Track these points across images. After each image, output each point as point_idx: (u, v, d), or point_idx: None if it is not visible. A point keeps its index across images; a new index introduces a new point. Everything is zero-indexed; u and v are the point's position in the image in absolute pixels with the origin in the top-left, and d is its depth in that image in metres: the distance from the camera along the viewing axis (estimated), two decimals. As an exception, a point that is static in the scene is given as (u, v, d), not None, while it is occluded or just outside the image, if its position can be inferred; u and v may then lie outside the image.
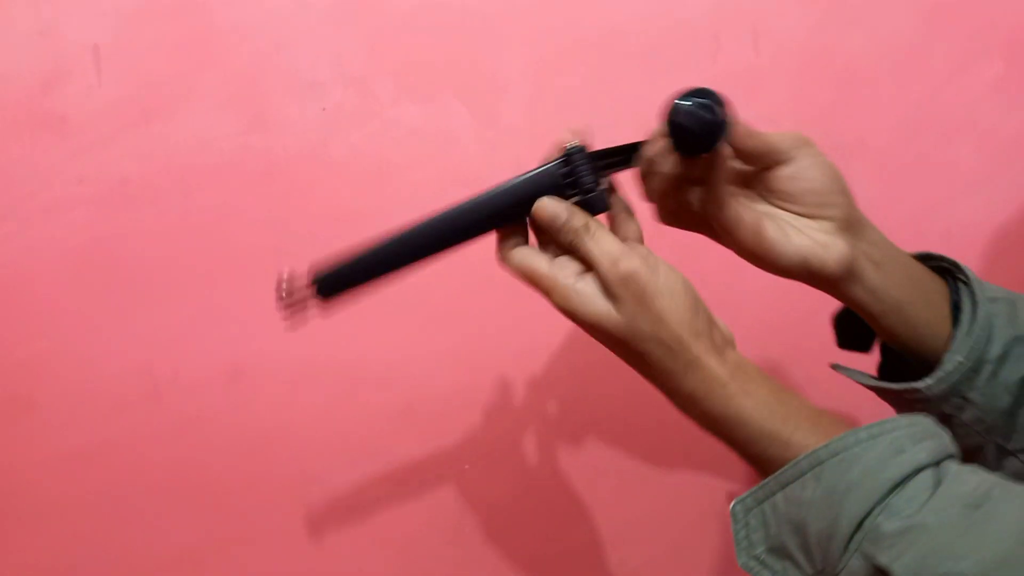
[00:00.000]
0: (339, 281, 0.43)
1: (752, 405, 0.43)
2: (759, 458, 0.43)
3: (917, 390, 0.48)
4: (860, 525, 0.37)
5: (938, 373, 0.48)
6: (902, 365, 0.52)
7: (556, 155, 0.47)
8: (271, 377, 0.74)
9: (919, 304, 0.50)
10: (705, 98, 0.44)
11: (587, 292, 0.46)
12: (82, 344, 0.74)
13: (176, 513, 0.75)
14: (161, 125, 0.72)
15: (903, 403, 0.50)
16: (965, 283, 0.50)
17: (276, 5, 0.71)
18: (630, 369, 0.74)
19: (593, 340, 0.73)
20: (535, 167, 0.47)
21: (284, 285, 0.42)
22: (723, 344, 0.46)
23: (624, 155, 0.50)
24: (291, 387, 0.74)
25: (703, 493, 0.78)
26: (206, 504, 0.75)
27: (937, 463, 0.39)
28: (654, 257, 0.46)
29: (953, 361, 0.47)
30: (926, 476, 0.38)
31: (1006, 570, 0.34)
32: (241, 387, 0.74)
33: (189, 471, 0.75)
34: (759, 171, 0.49)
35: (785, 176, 0.49)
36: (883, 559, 0.36)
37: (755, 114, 0.73)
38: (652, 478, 0.77)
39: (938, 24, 0.73)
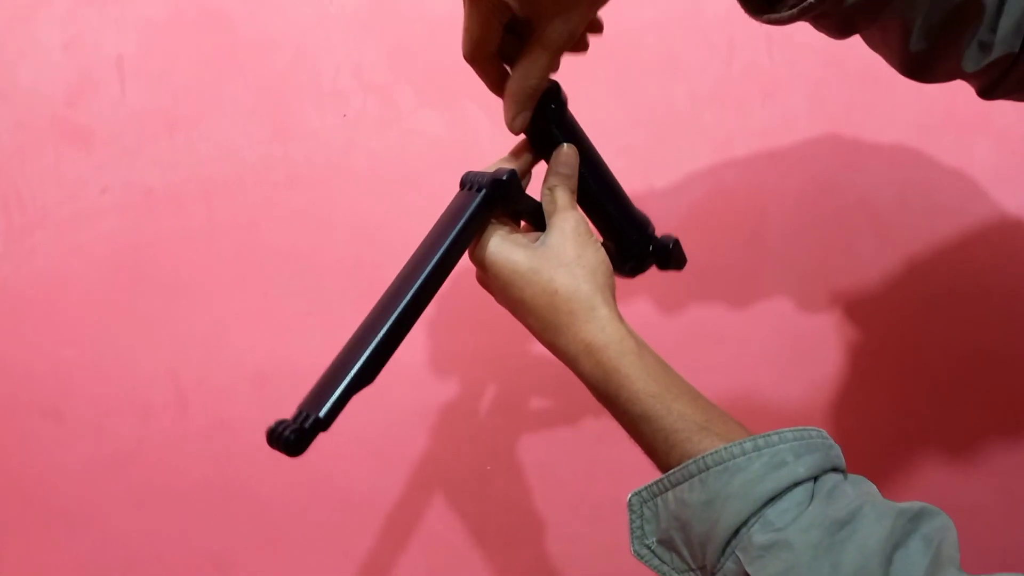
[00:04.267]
0: (336, 409, 0.43)
1: (642, 364, 0.45)
2: (639, 418, 0.44)
3: None
4: (736, 533, 0.40)
5: None
6: None
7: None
8: (295, 382, 0.74)
9: None
10: None
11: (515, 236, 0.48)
12: (108, 352, 0.75)
13: (203, 516, 0.76)
14: (185, 135, 0.73)
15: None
16: None
17: (297, 17, 0.72)
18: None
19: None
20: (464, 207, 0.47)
21: (280, 436, 0.41)
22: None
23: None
24: (314, 392, 0.75)
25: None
26: (232, 507, 0.76)
27: (816, 477, 0.40)
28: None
29: None
30: (801, 491, 0.40)
31: None
32: (266, 392, 0.75)
33: (215, 475, 0.76)
34: None
35: None
36: (751, 569, 0.39)
37: (771, 117, 0.74)
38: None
39: None
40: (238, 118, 0.73)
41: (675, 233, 0.71)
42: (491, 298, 0.74)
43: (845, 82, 0.73)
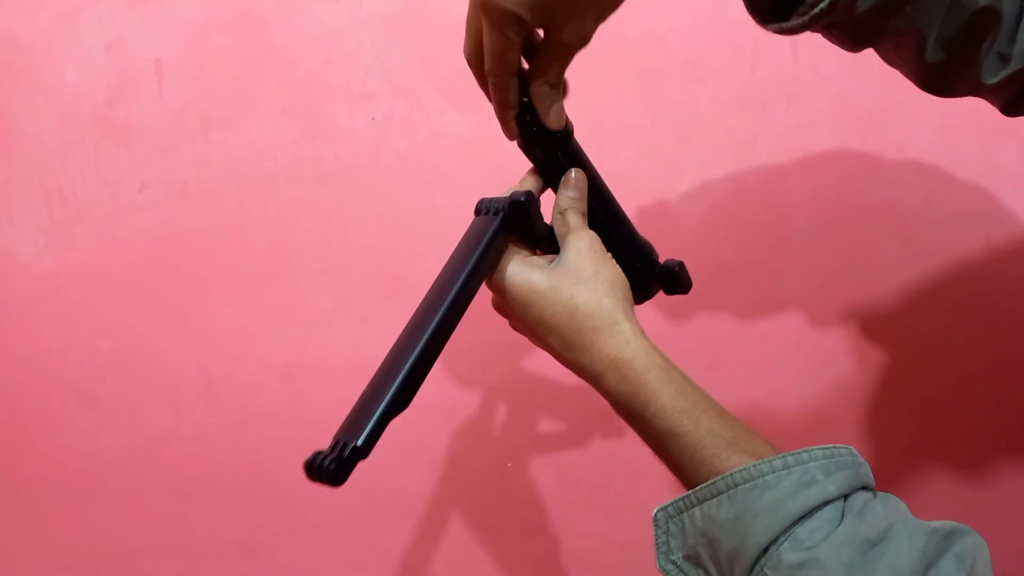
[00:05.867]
0: (374, 436, 0.44)
1: (669, 379, 0.45)
2: (667, 434, 0.44)
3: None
4: (765, 551, 0.39)
5: None
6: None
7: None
8: (322, 376, 0.77)
9: None
10: None
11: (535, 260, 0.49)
12: (142, 343, 0.78)
13: (231, 503, 0.78)
14: (219, 134, 0.75)
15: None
16: None
17: (329, 20, 0.74)
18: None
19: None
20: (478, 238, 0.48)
21: (321, 467, 0.42)
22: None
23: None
24: (341, 385, 0.76)
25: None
26: (259, 496, 0.78)
27: (846, 496, 0.40)
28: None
29: None
30: (832, 509, 0.39)
31: None
32: (293, 385, 0.77)
33: (243, 464, 0.78)
34: None
35: None
36: None
37: (794, 120, 0.74)
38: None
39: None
40: (271, 118, 0.75)
41: (697, 233, 0.72)
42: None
43: (869, 86, 0.73)
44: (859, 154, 0.74)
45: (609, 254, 0.49)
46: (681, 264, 0.55)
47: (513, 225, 0.48)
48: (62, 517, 0.80)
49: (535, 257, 0.50)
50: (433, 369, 0.76)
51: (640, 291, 0.54)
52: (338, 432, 0.44)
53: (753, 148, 0.74)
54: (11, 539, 0.80)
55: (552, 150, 0.50)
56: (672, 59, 0.74)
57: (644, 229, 0.75)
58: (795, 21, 0.45)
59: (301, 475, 0.81)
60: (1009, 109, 0.49)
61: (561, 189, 0.50)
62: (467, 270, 0.46)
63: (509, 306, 0.49)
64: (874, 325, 0.75)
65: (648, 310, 0.75)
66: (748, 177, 0.74)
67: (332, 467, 0.41)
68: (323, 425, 0.77)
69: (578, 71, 0.75)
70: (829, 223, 0.74)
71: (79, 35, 0.75)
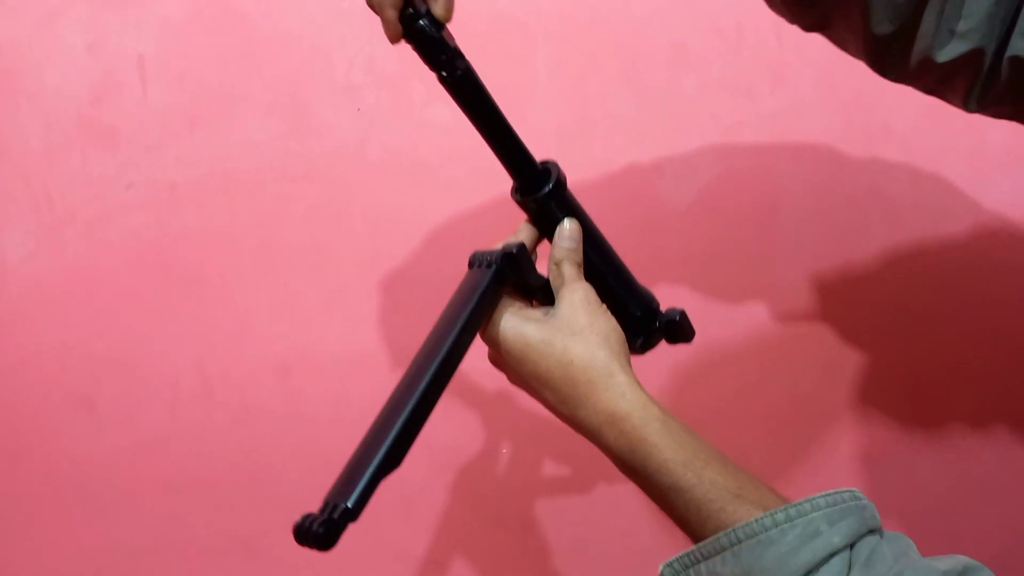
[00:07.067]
0: (364, 498, 0.43)
1: (668, 431, 0.44)
2: (670, 489, 0.43)
3: None
4: None
5: None
6: None
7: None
8: (317, 370, 0.77)
9: None
10: None
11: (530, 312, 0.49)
12: (136, 344, 0.78)
13: (230, 501, 0.78)
14: (206, 132, 0.75)
15: None
16: None
17: (313, 14, 0.73)
18: (661, 360, 0.76)
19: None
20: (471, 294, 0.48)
21: (309, 531, 0.41)
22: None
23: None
24: (337, 380, 0.77)
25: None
26: (259, 493, 0.78)
27: (852, 544, 0.39)
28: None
29: None
30: (838, 561, 0.39)
31: None
32: (288, 382, 0.77)
33: (241, 462, 0.78)
34: None
35: None
36: None
37: (780, 103, 0.74)
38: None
39: None
40: (256, 114, 0.74)
41: (685, 218, 0.72)
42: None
43: (855, 66, 0.73)
44: (846, 134, 0.74)
45: (604, 306, 0.48)
46: (682, 313, 0.54)
47: (506, 278, 0.48)
48: (62, 520, 0.80)
49: (530, 309, 0.50)
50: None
51: (642, 341, 0.53)
52: (329, 493, 0.43)
53: (739, 132, 0.74)
54: (12, 543, 0.80)
55: (546, 202, 0.49)
56: (656, 44, 0.74)
57: (631, 216, 0.75)
58: None
59: (299, 470, 0.82)
60: (968, 103, 0.48)
61: (556, 240, 0.50)
62: (459, 326, 0.46)
63: (504, 360, 0.49)
64: (864, 308, 0.75)
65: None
66: (735, 161, 0.74)
67: (321, 531, 0.41)
68: (319, 420, 0.78)
69: (563, 59, 0.75)
70: (818, 203, 0.75)
71: (60, 36, 0.75)
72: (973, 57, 0.45)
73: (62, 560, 0.81)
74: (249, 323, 0.77)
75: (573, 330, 0.46)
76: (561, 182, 0.50)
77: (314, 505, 0.81)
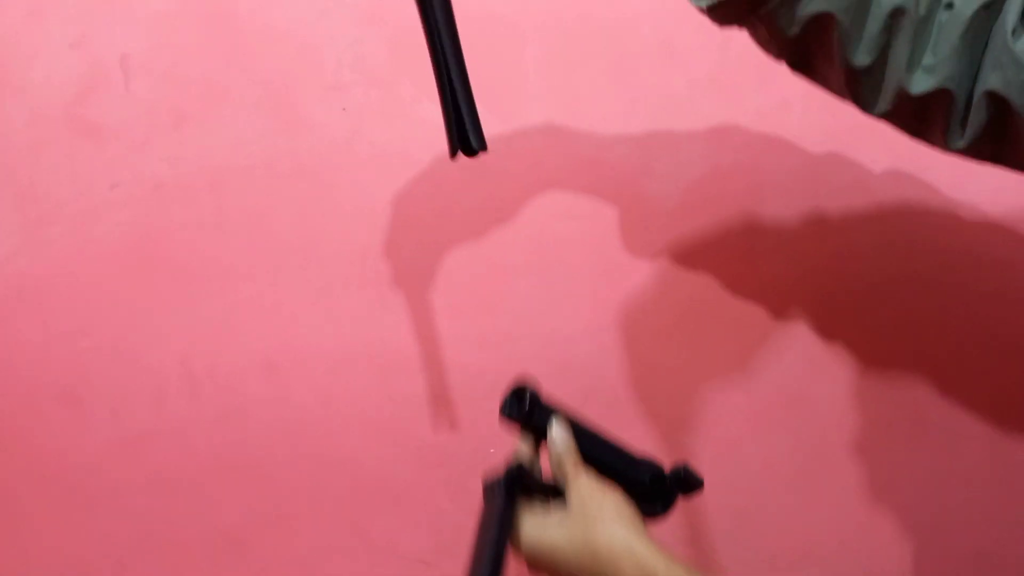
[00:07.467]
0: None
1: None
2: None
3: (704, 6, 0.51)
4: None
5: None
6: None
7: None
8: (304, 367, 0.77)
9: None
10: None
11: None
12: (122, 340, 0.78)
13: (217, 496, 0.78)
14: (192, 129, 0.75)
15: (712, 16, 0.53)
16: None
17: (300, 11, 0.73)
18: (652, 355, 0.76)
19: (619, 325, 0.75)
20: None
21: None
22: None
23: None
24: (324, 376, 0.77)
25: (727, 480, 0.80)
26: (245, 488, 0.78)
27: None
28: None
29: None
30: None
31: None
32: (276, 378, 0.77)
33: (228, 457, 0.78)
34: None
35: None
36: None
37: (766, 100, 0.75)
38: (674, 456, 0.79)
39: None
40: (243, 111, 0.74)
41: (673, 216, 0.72)
42: (493, 284, 0.76)
43: (841, 65, 0.74)
44: (831, 132, 0.75)
45: (607, 487, 0.52)
46: (686, 467, 0.57)
47: (516, 497, 0.52)
48: (48, 515, 0.80)
49: (547, 516, 0.52)
50: (413, 359, 0.77)
51: (662, 504, 0.56)
52: None
53: (727, 130, 0.74)
54: (-2, 540, 0.80)
55: (528, 419, 0.54)
56: (644, 42, 0.74)
57: (619, 214, 0.75)
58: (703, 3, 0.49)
59: (286, 466, 0.82)
60: (951, 143, 0.49)
61: (549, 446, 0.54)
62: (489, 561, 0.49)
63: (541, 568, 0.52)
64: (851, 299, 0.76)
65: (637, 305, 0.75)
66: (723, 159, 0.75)
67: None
68: (306, 416, 0.78)
69: (552, 56, 0.75)
70: (804, 201, 0.75)
71: (46, 32, 0.74)
72: (944, 92, 0.46)
73: (48, 555, 0.80)
74: (236, 319, 0.77)
75: (588, 521, 0.49)
76: (537, 402, 0.54)
77: (302, 505, 0.81)
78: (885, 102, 0.49)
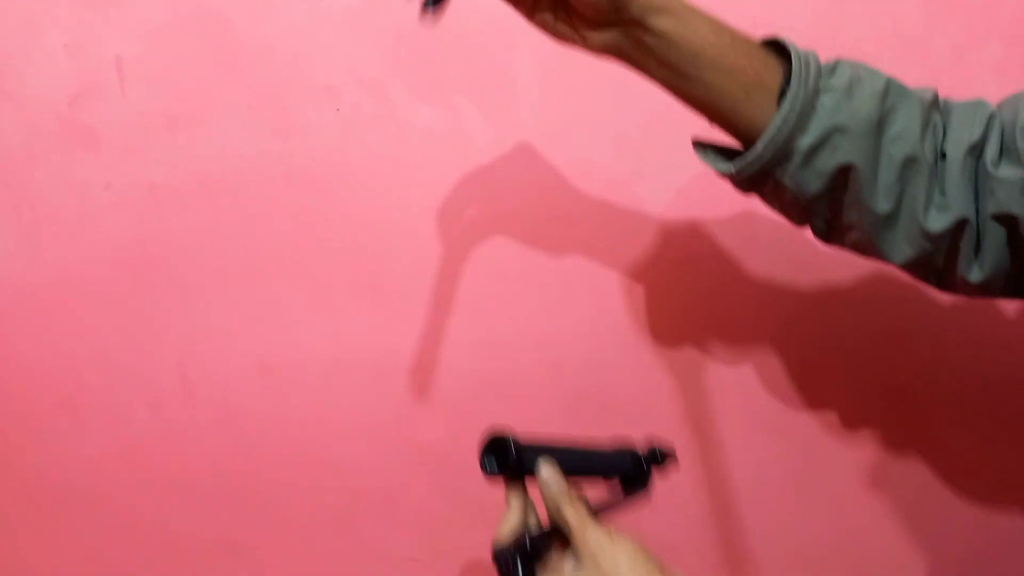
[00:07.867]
0: None
1: None
2: None
3: (731, 172, 0.53)
4: None
5: (742, 159, 0.52)
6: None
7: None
8: (300, 372, 0.77)
9: (737, 78, 0.53)
10: None
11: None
12: (117, 346, 0.78)
13: (214, 502, 0.78)
14: (186, 134, 0.75)
15: (736, 183, 0.55)
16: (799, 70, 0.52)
17: (293, 16, 0.73)
18: (646, 357, 0.76)
19: (611, 327, 0.75)
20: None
21: None
22: None
23: None
24: (319, 381, 0.77)
25: (725, 481, 0.80)
26: (242, 494, 0.78)
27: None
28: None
29: (755, 152, 0.51)
30: None
31: None
32: (270, 383, 0.77)
33: (225, 463, 0.78)
34: None
35: None
36: None
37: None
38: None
39: (938, 12, 0.74)
40: (236, 115, 0.74)
41: (665, 218, 0.72)
42: (490, 288, 0.76)
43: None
44: None
45: (616, 535, 0.51)
46: (656, 447, 0.57)
47: (534, 570, 0.51)
48: (45, 522, 0.80)
49: (561, 572, 0.52)
50: (408, 362, 0.77)
51: (640, 482, 0.56)
52: None
53: (718, 132, 0.74)
54: (-8, 546, 0.79)
55: (511, 470, 0.53)
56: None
57: (612, 216, 0.76)
58: (741, 162, 0.52)
59: (283, 471, 0.82)
60: (971, 270, 0.53)
61: (542, 491, 0.52)
62: None
63: None
64: (845, 301, 0.76)
65: (630, 308, 0.76)
66: (714, 161, 0.75)
67: None
68: (302, 421, 0.78)
69: (544, 58, 0.75)
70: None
71: (39, 37, 0.75)
72: (962, 223, 0.51)
73: (44, 562, 0.80)
74: (231, 324, 0.77)
75: (602, 570, 0.49)
76: (521, 449, 0.52)
77: (298, 508, 0.81)
78: (909, 246, 0.53)
